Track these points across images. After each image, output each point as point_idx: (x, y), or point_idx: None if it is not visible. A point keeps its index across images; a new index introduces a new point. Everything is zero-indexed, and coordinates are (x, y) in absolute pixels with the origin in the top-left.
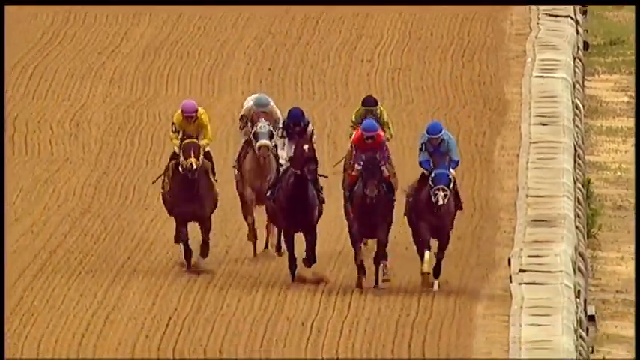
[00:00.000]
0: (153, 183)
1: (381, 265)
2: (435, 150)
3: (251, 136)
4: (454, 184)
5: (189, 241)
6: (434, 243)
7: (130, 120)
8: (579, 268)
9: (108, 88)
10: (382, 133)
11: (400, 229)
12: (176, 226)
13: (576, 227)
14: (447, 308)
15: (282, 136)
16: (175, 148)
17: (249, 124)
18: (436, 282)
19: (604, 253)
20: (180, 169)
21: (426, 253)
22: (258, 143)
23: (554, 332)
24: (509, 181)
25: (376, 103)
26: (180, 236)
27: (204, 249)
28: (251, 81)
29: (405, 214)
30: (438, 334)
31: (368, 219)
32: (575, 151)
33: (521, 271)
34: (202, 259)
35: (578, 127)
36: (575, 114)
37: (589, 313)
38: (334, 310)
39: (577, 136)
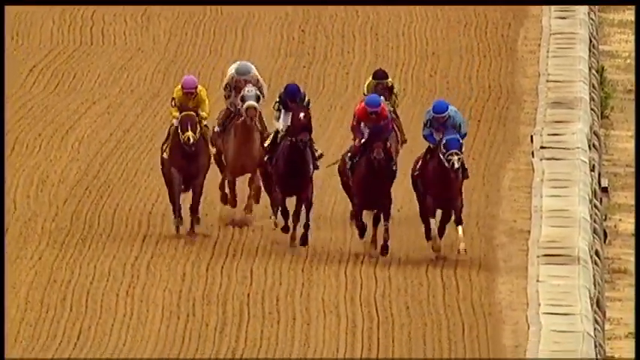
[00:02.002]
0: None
1: (384, 228)
2: (442, 125)
3: (239, 100)
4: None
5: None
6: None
7: (195, 14)
8: (594, 145)
9: None
10: (386, 107)
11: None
12: (171, 194)
13: (591, 109)
14: (476, 181)
15: (277, 109)
16: (174, 121)
17: (233, 92)
18: (460, 228)
19: (616, 131)
20: (179, 139)
21: (432, 221)
22: (246, 104)
23: (572, 202)
24: (531, 67)
25: (387, 76)
26: (173, 193)
27: (194, 212)
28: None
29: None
30: (468, 203)
31: (370, 189)
32: (590, 41)
33: (542, 147)
34: (197, 225)
35: (592, 19)
36: (590, 8)
37: (602, 185)
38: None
39: (592, 28)
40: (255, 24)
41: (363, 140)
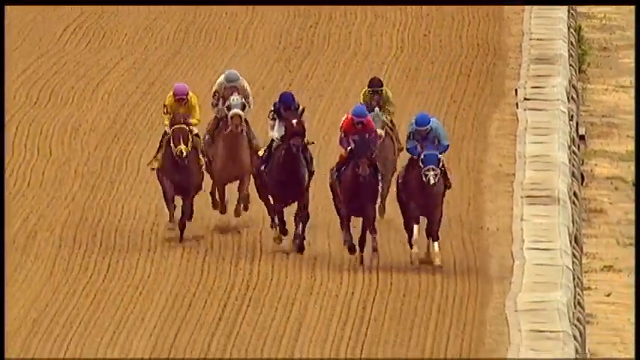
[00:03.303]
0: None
1: (372, 238)
2: (424, 138)
3: (224, 108)
4: (443, 164)
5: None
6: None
7: None
8: (572, 97)
9: None
10: (371, 119)
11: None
12: (165, 199)
13: (570, 64)
14: (466, 129)
15: (272, 118)
16: (166, 128)
17: (220, 100)
18: (436, 244)
19: (592, 85)
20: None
21: (415, 227)
22: (231, 112)
23: (552, 149)
24: (515, 27)
25: (382, 85)
26: (167, 200)
27: (182, 226)
28: None
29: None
30: (457, 149)
31: (356, 199)
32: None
33: (525, 99)
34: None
35: None
36: None
37: (580, 133)
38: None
39: None
40: None
41: (349, 149)
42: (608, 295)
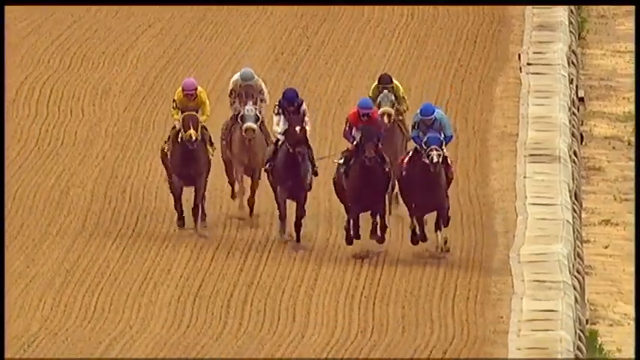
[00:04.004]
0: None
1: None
2: (428, 128)
3: (239, 118)
4: (445, 158)
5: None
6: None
7: None
8: (572, 62)
9: None
10: (377, 111)
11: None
12: (173, 192)
13: (570, 31)
14: (472, 92)
15: (277, 113)
16: (176, 122)
17: (237, 99)
18: (440, 234)
19: (590, 50)
20: (179, 140)
21: (422, 222)
22: (245, 126)
23: (554, 110)
24: None
25: (391, 81)
26: (175, 198)
27: (196, 212)
28: None
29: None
30: (465, 111)
31: (365, 193)
32: None
33: (528, 64)
34: (203, 223)
35: None
36: None
37: (580, 95)
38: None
39: None
40: None
41: (355, 142)
42: (606, 248)
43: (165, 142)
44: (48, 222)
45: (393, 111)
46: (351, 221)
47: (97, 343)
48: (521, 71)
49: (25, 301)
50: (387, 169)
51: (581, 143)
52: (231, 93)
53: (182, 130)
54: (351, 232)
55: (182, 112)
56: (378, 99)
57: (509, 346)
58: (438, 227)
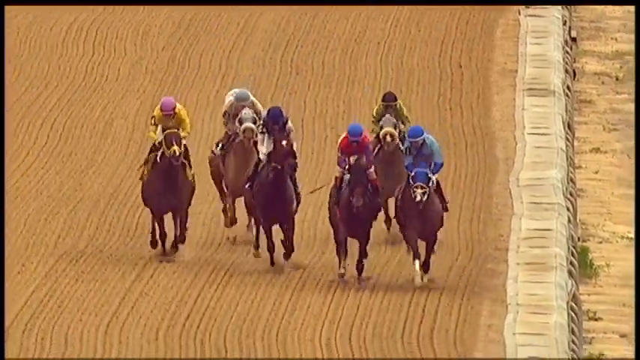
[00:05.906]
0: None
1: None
2: (418, 152)
3: (236, 122)
4: (438, 185)
5: (165, 233)
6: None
7: None
8: (565, 5)
9: None
10: (367, 136)
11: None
12: (152, 217)
13: None
14: (475, 32)
15: (262, 132)
16: (154, 137)
17: (231, 119)
18: (425, 276)
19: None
20: (159, 159)
21: (416, 263)
22: (243, 126)
23: (549, 49)
24: None
25: (395, 99)
26: (154, 227)
27: (179, 240)
28: None
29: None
30: (468, 50)
31: (354, 222)
32: None
33: (526, 7)
34: (181, 247)
35: None
36: None
37: (572, 35)
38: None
39: None
40: None
41: (344, 174)
42: (596, 173)
43: (141, 166)
44: (94, 150)
45: (395, 132)
46: (337, 246)
47: (138, 259)
48: (519, 14)
49: (73, 220)
50: (378, 202)
51: (574, 79)
52: (224, 114)
53: (165, 148)
54: (342, 257)
55: (163, 131)
56: (380, 123)
57: (509, 262)
58: (424, 269)
